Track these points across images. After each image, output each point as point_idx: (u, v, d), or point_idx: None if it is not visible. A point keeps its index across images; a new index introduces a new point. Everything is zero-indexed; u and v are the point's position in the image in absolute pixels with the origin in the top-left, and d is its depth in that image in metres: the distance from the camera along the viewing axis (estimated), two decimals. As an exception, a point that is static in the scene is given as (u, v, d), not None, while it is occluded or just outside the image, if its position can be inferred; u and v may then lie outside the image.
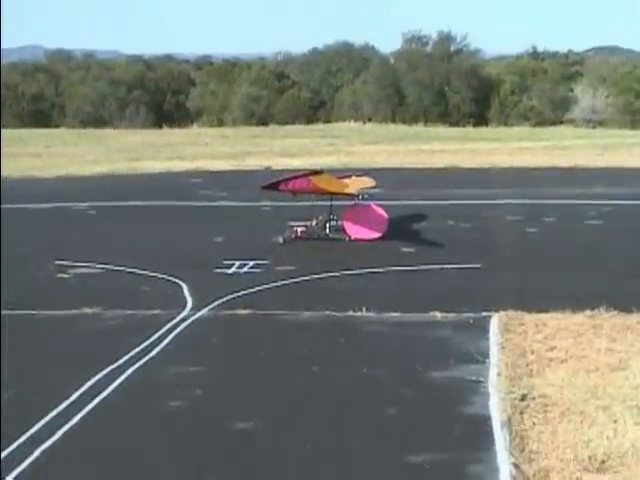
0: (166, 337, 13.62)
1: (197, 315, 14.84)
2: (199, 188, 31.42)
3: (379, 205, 22.19)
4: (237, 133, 60.66)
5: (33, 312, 15.31)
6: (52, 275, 18.26)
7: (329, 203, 21.76)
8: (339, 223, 21.63)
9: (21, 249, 21.17)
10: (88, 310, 15.24)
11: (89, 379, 11.71)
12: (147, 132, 64.58)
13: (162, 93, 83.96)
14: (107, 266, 18.84)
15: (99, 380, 11.73)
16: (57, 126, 75.92)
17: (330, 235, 21.40)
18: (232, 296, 15.96)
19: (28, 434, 9.99)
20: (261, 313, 14.88)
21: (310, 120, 74.65)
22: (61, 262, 19.25)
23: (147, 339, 13.45)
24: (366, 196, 22.13)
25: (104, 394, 11.25)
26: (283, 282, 17.11)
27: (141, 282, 17.44)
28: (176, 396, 11.15)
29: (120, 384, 11.62)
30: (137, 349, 13.00)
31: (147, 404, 10.98)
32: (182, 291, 16.50)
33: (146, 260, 19.23)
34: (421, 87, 76.61)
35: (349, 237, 21.30)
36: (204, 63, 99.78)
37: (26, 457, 9.41)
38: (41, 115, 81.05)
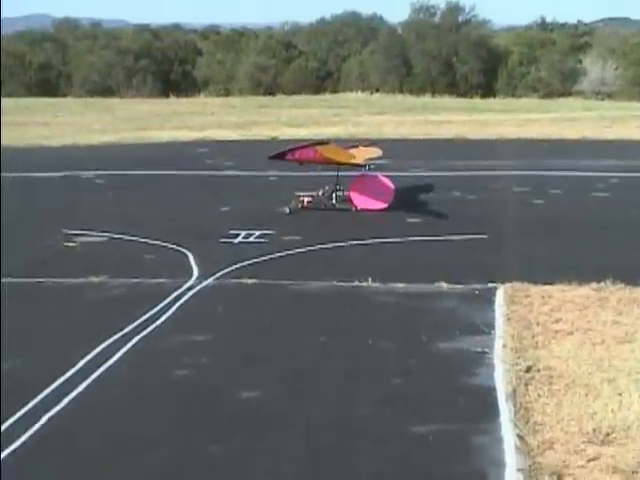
0: (172, 306, 13.63)
1: (203, 284, 14.84)
2: (206, 157, 31.36)
3: (386, 176, 22.14)
4: (244, 103, 60.44)
5: (40, 280, 15.33)
6: (59, 244, 18.26)
7: (335, 173, 21.67)
8: (346, 193, 21.58)
9: (28, 218, 21.18)
10: (94, 279, 15.24)
11: (95, 347, 11.73)
12: (154, 101, 64.36)
13: (169, 62, 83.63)
14: (114, 235, 18.83)
15: (105, 348, 11.75)
16: (64, 95, 75.73)
17: (337, 205, 21.39)
18: (238, 265, 15.96)
19: (35, 401, 10.02)
20: (267, 283, 14.87)
21: (317, 90, 74.33)
22: (68, 231, 19.24)
23: (153, 308, 13.46)
24: (372, 166, 22.05)
25: (110, 362, 11.27)
26: (289, 252, 17.09)
27: (147, 251, 17.43)
28: (182, 364, 11.17)
29: (126, 352, 11.64)
30: (143, 317, 13.01)
31: (153, 372, 11.00)
32: (188, 260, 16.49)
33: (152, 229, 19.22)
34: (429, 58, 76.21)
35: (356, 207, 21.29)
36: (211, 32, 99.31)
37: (33, 424, 9.44)
38: (48, 84, 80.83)
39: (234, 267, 15.86)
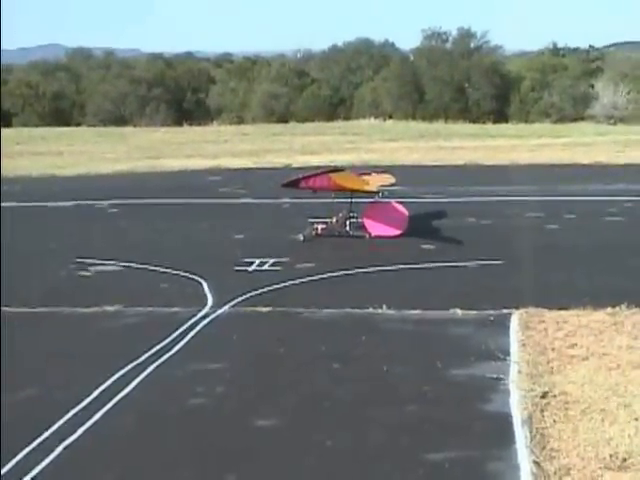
0: (187, 334, 13.67)
1: (217, 312, 14.88)
2: (219, 185, 31.45)
3: (399, 202, 22.19)
4: (257, 130, 60.65)
5: (55, 309, 15.39)
6: (73, 273, 18.34)
7: (349, 200, 21.74)
8: (359, 220, 21.64)
9: (42, 247, 21.29)
10: (109, 308, 15.31)
11: (110, 376, 11.76)
12: (167, 130, 64.63)
13: (182, 91, 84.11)
14: (128, 264, 18.90)
15: (120, 377, 11.77)
16: (78, 124, 76.16)
17: (351, 232, 21.42)
18: (252, 294, 15.99)
19: (51, 430, 10.04)
20: (281, 310, 14.90)
21: (330, 117, 74.51)
22: (82, 260, 19.32)
23: (168, 336, 13.49)
24: (386, 193, 22.13)
25: (125, 391, 11.30)
26: (303, 280, 17.11)
27: (161, 280, 17.50)
28: (197, 393, 11.19)
29: (141, 381, 11.67)
30: (158, 346, 13.04)
31: (168, 401, 11.02)
32: (202, 288, 16.54)
33: (166, 258, 19.28)
34: (441, 84, 76.42)
35: (369, 234, 21.32)
36: (224, 61, 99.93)
37: (49, 453, 9.46)
38: (62, 114, 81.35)
39: (248, 295, 15.89)
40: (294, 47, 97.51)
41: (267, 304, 15.20)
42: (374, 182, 22.37)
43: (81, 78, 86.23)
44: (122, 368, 12.07)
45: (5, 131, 69.69)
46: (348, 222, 21.62)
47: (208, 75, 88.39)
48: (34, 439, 9.79)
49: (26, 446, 9.62)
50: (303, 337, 13.59)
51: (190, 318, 14.50)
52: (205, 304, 15.40)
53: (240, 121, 76.25)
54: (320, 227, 21.47)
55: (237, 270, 18.08)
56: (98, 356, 12.87)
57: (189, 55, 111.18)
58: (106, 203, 27.64)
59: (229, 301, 15.49)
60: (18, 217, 26.15)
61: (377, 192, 21.66)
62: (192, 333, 13.75)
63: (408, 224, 21.54)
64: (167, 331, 13.74)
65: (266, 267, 18.29)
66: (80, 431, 10.06)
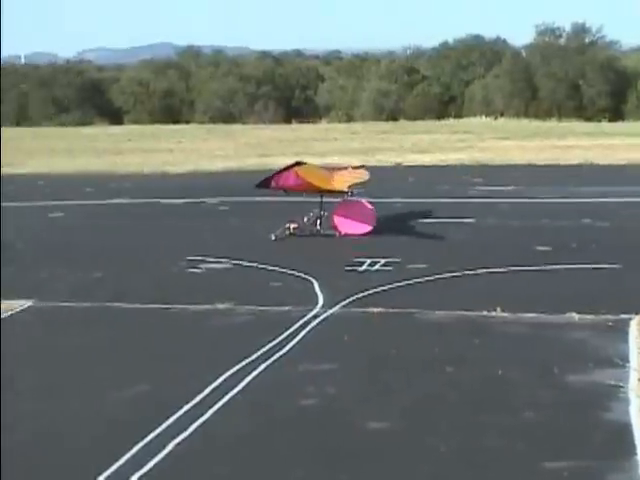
0: (298, 334, 13.69)
1: (329, 312, 14.88)
2: (329, 184, 31.46)
3: (369, 201, 22.53)
4: (366, 128, 60.66)
5: (166, 306, 15.60)
6: (184, 270, 18.58)
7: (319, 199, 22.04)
8: (330, 218, 21.92)
9: (154, 244, 21.62)
10: (220, 305, 15.45)
11: (221, 375, 11.85)
12: (276, 128, 65.15)
13: (291, 89, 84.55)
14: (238, 262, 19.06)
15: (231, 376, 11.86)
16: (187, 122, 77.26)
17: (322, 231, 21.72)
18: (363, 294, 15.97)
19: (161, 428, 10.17)
20: (393, 311, 14.83)
21: (440, 115, 74.10)
22: (193, 257, 19.56)
23: (279, 335, 13.54)
24: (355, 192, 22.20)
25: (236, 390, 11.37)
26: (415, 280, 17.01)
27: (272, 278, 17.59)
28: (308, 394, 11.20)
29: (252, 380, 11.73)
30: (269, 345, 13.10)
31: (279, 401, 11.05)
32: (313, 288, 16.57)
33: (277, 256, 19.40)
34: (554, 81, 75.18)
35: (340, 232, 21.64)
36: (333, 58, 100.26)
37: (160, 450, 9.58)
38: (171, 111, 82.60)
39: (359, 295, 15.87)
40: (404, 44, 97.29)
41: (378, 305, 15.15)
42: (349, 178, 22.49)
43: (191, 76, 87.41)
44: (233, 366, 12.16)
45: (116, 128, 71.37)
46: (319, 221, 21.87)
47: (317, 73, 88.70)
48: (144, 436, 9.92)
49: (137, 443, 9.75)
50: (415, 339, 13.49)
51: (301, 317, 14.53)
52: (316, 304, 15.42)
53: (349, 119, 76.37)
54: (292, 226, 21.78)
55: (348, 270, 18.08)
56: (209, 354, 12.99)
57: (298, 53, 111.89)
58: (216, 200, 27.96)
59: (340, 301, 15.48)
60: (130, 214, 26.66)
61: (347, 191, 21.63)
62: (303, 333, 13.78)
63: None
64: (278, 330, 13.79)
65: (377, 267, 18.24)
66: (191, 429, 10.15)
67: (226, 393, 11.24)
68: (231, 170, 36.93)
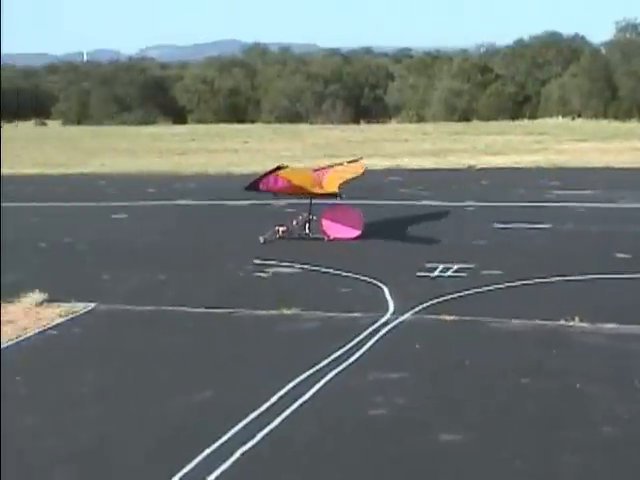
0: (367, 341, 13.70)
1: (399, 319, 14.87)
2: (399, 186, 31.49)
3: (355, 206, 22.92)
4: (437, 129, 60.53)
5: (232, 310, 15.72)
6: (250, 274, 18.69)
7: (308, 202, 22.44)
8: (319, 222, 22.24)
9: (219, 246, 21.78)
10: (287, 311, 15.51)
11: (288, 382, 11.90)
12: (344, 128, 65.27)
13: (360, 87, 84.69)
14: (306, 266, 19.13)
15: (298, 383, 11.90)
16: (252, 121, 77.80)
17: (310, 235, 22.07)
18: (436, 301, 15.93)
19: (228, 435, 10.24)
20: (467, 319, 14.77)
21: (515, 116, 73.71)
22: (259, 261, 19.67)
23: (347, 343, 13.56)
24: (344, 196, 22.31)
25: (304, 398, 11.41)
26: (489, 287, 16.93)
27: (341, 283, 17.63)
28: (377, 404, 11.20)
29: (320, 389, 11.76)
30: (337, 353, 13.12)
31: (347, 411, 11.06)
32: (383, 294, 16.57)
33: (346, 261, 19.43)
34: (635, 79, 74.30)
35: (328, 237, 21.94)
36: (403, 56, 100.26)
37: (226, 459, 9.65)
38: (237, 110, 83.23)
39: (431, 302, 15.83)
40: (477, 41, 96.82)
41: (451, 312, 15.10)
42: (342, 175, 23.15)
43: (257, 74, 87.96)
44: (301, 374, 12.20)
45: (180, 127, 72.03)
46: (308, 224, 22.19)
47: (386, 71, 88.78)
48: (211, 444, 9.99)
49: (203, 450, 9.83)
50: (490, 348, 13.42)
51: (371, 324, 14.54)
52: (386, 310, 15.42)
53: (420, 119, 76.30)
54: (281, 229, 22.13)
55: (419, 275, 18.05)
56: (276, 360, 13.05)
57: (367, 50, 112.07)
58: (283, 202, 28.04)
59: (411, 308, 15.46)
60: (195, 215, 26.89)
61: (337, 194, 21.92)
62: (373, 340, 13.78)
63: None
64: (347, 337, 13.82)
65: (450, 273, 18.18)
66: (258, 437, 10.21)
67: (294, 401, 11.28)
68: (297, 171, 36.96)
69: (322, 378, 12.10)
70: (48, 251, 21.75)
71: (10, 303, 16.24)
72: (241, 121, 77.69)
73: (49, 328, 14.84)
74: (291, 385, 11.81)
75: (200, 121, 79.06)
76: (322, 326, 14.74)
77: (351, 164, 24.88)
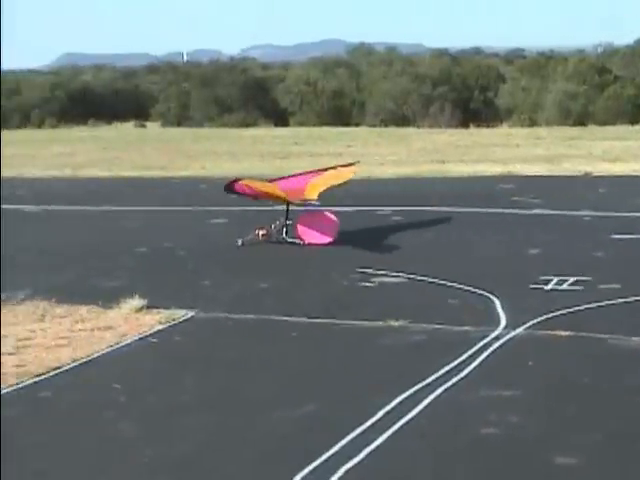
0: (478, 356, 13.60)
1: (512, 334, 14.72)
2: (511, 194, 31.20)
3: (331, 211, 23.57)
4: (551, 134, 59.84)
5: (336, 321, 15.75)
6: (355, 283, 18.71)
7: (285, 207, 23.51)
8: (294, 227, 23.28)
9: (322, 254, 21.87)
10: (393, 322, 15.47)
11: (395, 397, 11.88)
12: (453, 132, 64.97)
13: (469, 90, 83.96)
14: (412, 276, 19.08)
15: (406, 399, 11.87)
16: (357, 124, 77.87)
17: (287, 239, 23.07)
18: (550, 315, 15.74)
19: (331, 451, 10.26)
20: (583, 335, 14.55)
21: (634, 120, 72.39)
22: (364, 270, 19.68)
23: (457, 357, 13.48)
24: (317, 203, 23.91)
25: (411, 414, 11.37)
26: (609, 302, 16.66)
27: (449, 294, 17.54)
28: (489, 422, 11.10)
29: (428, 405, 11.71)
30: (446, 367, 13.06)
31: (457, 429, 11.00)
32: (494, 307, 16.43)
33: (454, 271, 19.32)
34: None
35: (303, 241, 22.92)
36: (515, 57, 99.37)
37: (330, 475, 9.67)
38: (341, 112, 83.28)
39: (545, 317, 15.65)
40: (594, 41, 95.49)
41: (566, 327, 14.90)
42: (329, 181, 24.59)
43: (361, 75, 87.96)
44: (408, 389, 12.16)
45: (281, 130, 72.54)
46: (284, 229, 23.18)
47: (497, 72, 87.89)
48: (312, 460, 10.03)
49: (304, 467, 9.87)
50: (608, 367, 13.20)
51: (481, 339, 14.42)
52: (498, 324, 15.29)
53: (532, 123, 75.35)
54: (261, 233, 23.04)
55: (532, 288, 17.86)
56: (382, 374, 13.04)
57: (477, 50, 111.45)
58: (389, 210, 28.05)
59: (524, 322, 15.30)
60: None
61: (313, 200, 23.29)
62: (484, 355, 13.67)
63: None
64: (456, 351, 13.73)
65: (565, 286, 17.94)
66: (362, 455, 10.21)
67: (401, 417, 11.25)
68: (404, 177, 36.99)
69: (430, 394, 12.05)
70: (148, 256, 22.07)
71: (109, 309, 16.54)
72: (345, 124, 77.77)
73: (149, 335, 15.07)
74: (398, 400, 11.79)
75: (302, 124, 79.40)
76: (430, 339, 14.68)
77: (344, 168, 26.36)
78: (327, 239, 23.03)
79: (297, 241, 22.98)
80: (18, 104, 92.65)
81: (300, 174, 25.69)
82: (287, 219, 23.48)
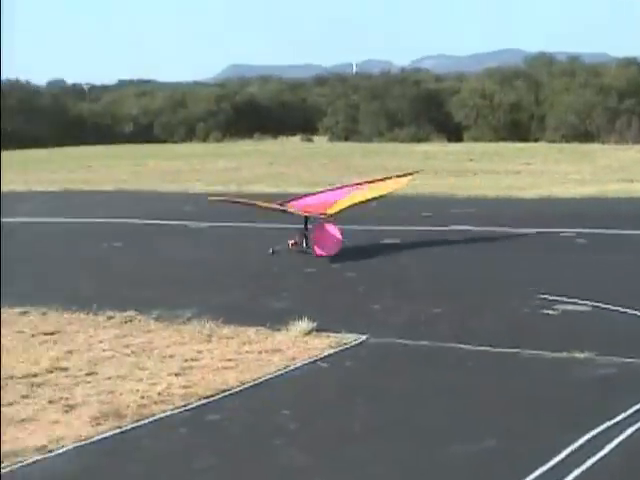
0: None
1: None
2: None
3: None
4: None
5: (517, 350, 15.54)
6: (536, 310, 18.45)
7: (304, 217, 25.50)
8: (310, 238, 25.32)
9: (501, 278, 21.66)
10: (578, 354, 15.17)
11: (582, 435, 11.62)
12: (642, 148, 63.55)
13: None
14: (599, 304, 18.69)
15: (593, 437, 11.61)
16: (536, 140, 77.08)
17: (306, 250, 25.18)
18: None
19: (514, 490, 10.14)
20: None
21: None
22: (546, 296, 19.39)
23: (649, 394, 13.14)
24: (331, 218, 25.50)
25: (601, 454, 11.11)
26: None
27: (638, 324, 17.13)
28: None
29: (619, 444, 11.42)
30: (638, 405, 12.72)
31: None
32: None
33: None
34: None
35: (315, 253, 24.76)
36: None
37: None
38: (518, 127, 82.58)
39: None
40: None
41: None
42: (386, 187, 27.47)
43: (541, 87, 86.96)
44: (596, 426, 11.89)
45: (455, 146, 72.25)
46: (305, 239, 25.40)
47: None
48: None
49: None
50: None
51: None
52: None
53: None
54: (291, 242, 25.35)
55: None
56: (566, 409, 12.78)
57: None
58: (572, 232, 27.60)
59: None
60: (473, 242, 26.84)
61: (324, 214, 25.23)
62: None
63: None
64: (649, 388, 13.40)
65: None
66: (548, 495, 10.06)
67: (588, 457, 11.00)
68: (589, 197, 36.38)
69: (620, 434, 11.74)
70: (317, 276, 22.28)
71: (277, 331, 16.74)
72: (523, 139, 77.13)
73: (319, 359, 15.18)
74: (585, 438, 11.54)
75: (477, 139, 79.10)
76: (619, 373, 14.31)
77: (399, 179, 28.61)
78: (331, 252, 24.68)
79: (311, 252, 24.97)
80: (184, 117, 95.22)
81: (346, 186, 28.38)
82: (306, 229, 25.56)
